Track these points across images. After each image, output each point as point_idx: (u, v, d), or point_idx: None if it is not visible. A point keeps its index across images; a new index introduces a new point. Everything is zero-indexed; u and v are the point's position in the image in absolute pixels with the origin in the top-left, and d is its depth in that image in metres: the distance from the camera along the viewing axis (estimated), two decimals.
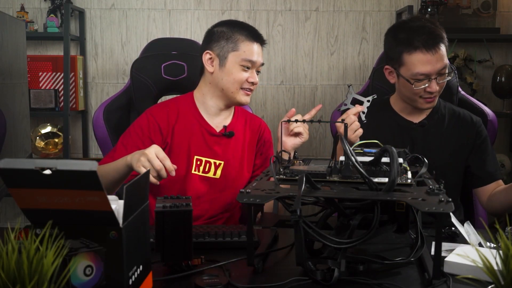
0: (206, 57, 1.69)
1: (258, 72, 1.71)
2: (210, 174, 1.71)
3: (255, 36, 1.69)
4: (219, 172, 1.72)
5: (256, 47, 1.68)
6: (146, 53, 2.03)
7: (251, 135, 1.80)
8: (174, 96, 2.45)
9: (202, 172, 1.71)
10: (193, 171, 1.69)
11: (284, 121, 1.70)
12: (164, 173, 1.40)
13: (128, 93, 1.96)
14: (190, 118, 1.71)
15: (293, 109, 1.71)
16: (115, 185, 1.54)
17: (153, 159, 1.39)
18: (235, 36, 1.66)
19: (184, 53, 2.01)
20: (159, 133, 1.68)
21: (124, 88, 1.98)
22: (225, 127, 1.74)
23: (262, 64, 1.72)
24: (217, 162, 1.72)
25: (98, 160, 1.85)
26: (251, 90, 1.69)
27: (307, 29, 2.97)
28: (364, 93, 2.08)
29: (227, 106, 1.74)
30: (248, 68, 1.67)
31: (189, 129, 1.70)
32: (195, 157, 1.70)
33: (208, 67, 1.69)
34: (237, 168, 1.74)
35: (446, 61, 1.66)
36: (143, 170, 1.39)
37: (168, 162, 1.41)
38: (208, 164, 1.71)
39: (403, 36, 1.66)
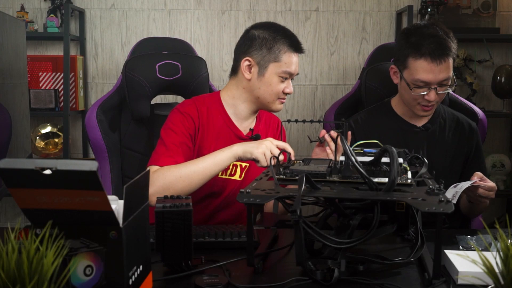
0: (245, 63, 1.65)
1: (292, 79, 1.70)
2: (236, 177, 1.70)
3: (296, 46, 1.66)
4: (243, 174, 1.71)
5: (295, 58, 1.66)
6: (135, 53, 2.02)
7: (271, 135, 1.81)
8: (172, 95, 2.45)
9: (229, 175, 1.69)
10: (219, 175, 1.66)
11: (284, 121, 1.70)
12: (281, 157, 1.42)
13: (119, 92, 1.94)
14: (219, 120, 1.69)
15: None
16: (208, 178, 1.53)
17: (274, 148, 1.47)
18: (278, 46, 1.63)
19: (176, 53, 2.00)
20: (193, 130, 1.65)
21: (114, 88, 1.95)
22: (251, 130, 1.74)
23: (297, 74, 1.71)
24: (243, 164, 1.71)
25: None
26: (285, 99, 1.69)
27: (307, 29, 2.97)
28: (354, 94, 2.07)
29: (256, 112, 1.74)
30: (285, 78, 1.65)
31: (217, 131, 1.68)
32: None
33: (246, 73, 1.65)
34: (259, 170, 1.74)
35: (450, 73, 1.65)
36: (261, 157, 1.45)
37: (289, 147, 1.49)
38: (234, 168, 1.70)
39: (414, 40, 1.65)
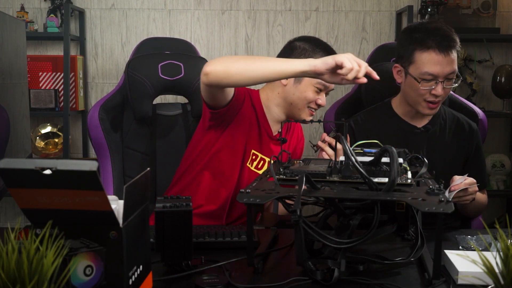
0: None
1: (327, 94, 1.72)
2: (262, 171, 1.71)
3: None
4: None
5: None
6: (138, 53, 2.02)
7: (294, 141, 1.84)
8: (172, 95, 2.45)
9: (255, 168, 1.71)
10: (247, 164, 1.70)
11: (284, 121, 1.70)
12: (363, 71, 1.34)
13: (121, 92, 1.94)
14: (255, 114, 1.71)
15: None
16: (267, 77, 1.44)
17: (357, 58, 1.35)
18: (316, 58, 1.65)
19: (178, 53, 2.00)
20: (238, 100, 1.63)
21: (116, 87, 1.96)
22: (279, 132, 1.75)
23: (332, 89, 1.72)
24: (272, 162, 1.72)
25: (98, 160, 1.85)
26: (315, 110, 1.71)
27: (307, 29, 2.97)
28: (354, 94, 2.07)
29: (287, 118, 1.75)
30: (320, 90, 1.67)
31: (251, 123, 1.69)
32: (252, 150, 1.70)
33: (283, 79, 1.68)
34: None
35: (456, 67, 1.65)
36: (345, 60, 1.31)
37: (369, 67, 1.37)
38: (262, 161, 1.72)
39: (418, 36, 1.66)
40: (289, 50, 1.71)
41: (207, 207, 1.70)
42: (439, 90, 1.64)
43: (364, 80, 1.36)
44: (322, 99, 1.69)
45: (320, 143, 1.62)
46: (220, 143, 1.68)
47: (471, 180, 1.49)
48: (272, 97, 1.72)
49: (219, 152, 1.68)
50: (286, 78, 1.48)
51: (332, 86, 1.70)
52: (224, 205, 1.70)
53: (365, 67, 1.35)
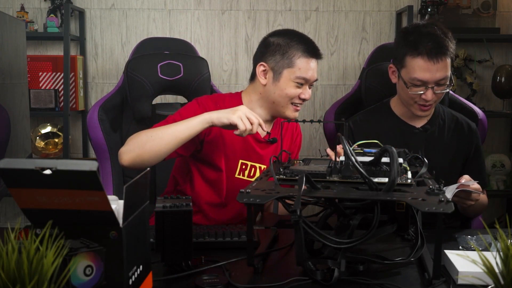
0: (260, 69, 1.66)
1: (311, 86, 1.69)
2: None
3: (312, 52, 1.65)
4: None
5: (312, 63, 1.65)
6: (137, 53, 2.02)
7: (288, 138, 1.81)
8: (172, 95, 2.46)
9: (247, 177, 1.69)
10: (236, 175, 1.68)
11: (284, 120, 1.69)
12: (255, 129, 1.49)
13: (121, 92, 1.94)
14: None
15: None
16: (178, 142, 1.51)
17: (250, 113, 1.48)
18: (291, 52, 1.63)
19: (178, 53, 2.00)
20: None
21: (116, 87, 1.96)
22: (268, 133, 1.73)
23: (316, 80, 1.69)
24: (262, 166, 1.71)
25: (97, 160, 1.85)
26: (301, 104, 1.68)
27: (307, 29, 2.97)
28: (354, 94, 2.07)
29: (273, 118, 1.73)
30: (301, 84, 1.64)
31: (231, 135, 1.65)
32: (240, 161, 1.68)
33: (261, 79, 1.66)
34: None
35: (448, 73, 1.64)
36: (239, 122, 1.45)
37: (261, 120, 1.51)
38: (253, 169, 1.70)
39: (412, 39, 1.65)
40: (264, 48, 1.68)
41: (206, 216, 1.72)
42: (428, 95, 1.64)
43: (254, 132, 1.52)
44: (305, 93, 1.65)
45: (329, 151, 1.58)
46: (200, 164, 1.68)
47: (478, 186, 1.50)
48: (255, 99, 1.70)
49: (204, 171, 1.68)
50: (190, 138, 1.52)
51: (315, 77, 1.67)
52: (221, 220, 1.71)
53: (256, 125, 1.50)
